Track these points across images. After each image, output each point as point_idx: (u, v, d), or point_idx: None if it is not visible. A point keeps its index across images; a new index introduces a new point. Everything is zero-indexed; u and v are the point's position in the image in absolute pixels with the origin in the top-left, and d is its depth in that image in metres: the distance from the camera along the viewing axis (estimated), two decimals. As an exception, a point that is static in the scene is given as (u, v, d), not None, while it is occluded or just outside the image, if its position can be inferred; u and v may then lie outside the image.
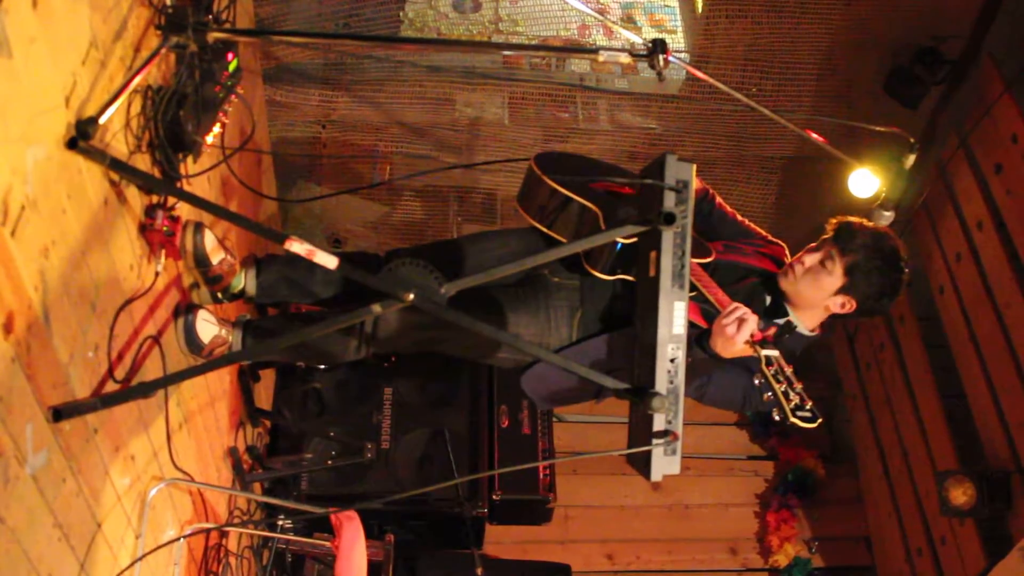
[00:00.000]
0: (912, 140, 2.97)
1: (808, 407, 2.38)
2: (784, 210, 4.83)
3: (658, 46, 2.50)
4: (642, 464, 2.16)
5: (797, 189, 4.75)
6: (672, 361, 2.15)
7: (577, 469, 5.48)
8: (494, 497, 4.47)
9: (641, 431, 2.16)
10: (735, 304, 2.62)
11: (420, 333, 3.03)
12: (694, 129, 4.46)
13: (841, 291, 2.85)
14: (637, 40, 2.54)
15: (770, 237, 3.14)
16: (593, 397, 2.95)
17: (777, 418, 2.40)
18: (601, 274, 2.85)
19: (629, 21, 4.48)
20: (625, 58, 2.54)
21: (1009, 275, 4.01)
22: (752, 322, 2.54)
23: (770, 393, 2.39)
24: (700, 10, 4.31)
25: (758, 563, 5.54)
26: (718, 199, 3.13)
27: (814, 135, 2.97)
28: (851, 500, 5.51)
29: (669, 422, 2.13)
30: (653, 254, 2.18)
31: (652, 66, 2.52)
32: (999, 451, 4.05)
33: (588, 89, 4.45)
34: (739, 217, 3.15)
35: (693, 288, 2.72)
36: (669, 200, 2.19)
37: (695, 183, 2.95)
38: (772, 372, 2.43)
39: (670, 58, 2.52)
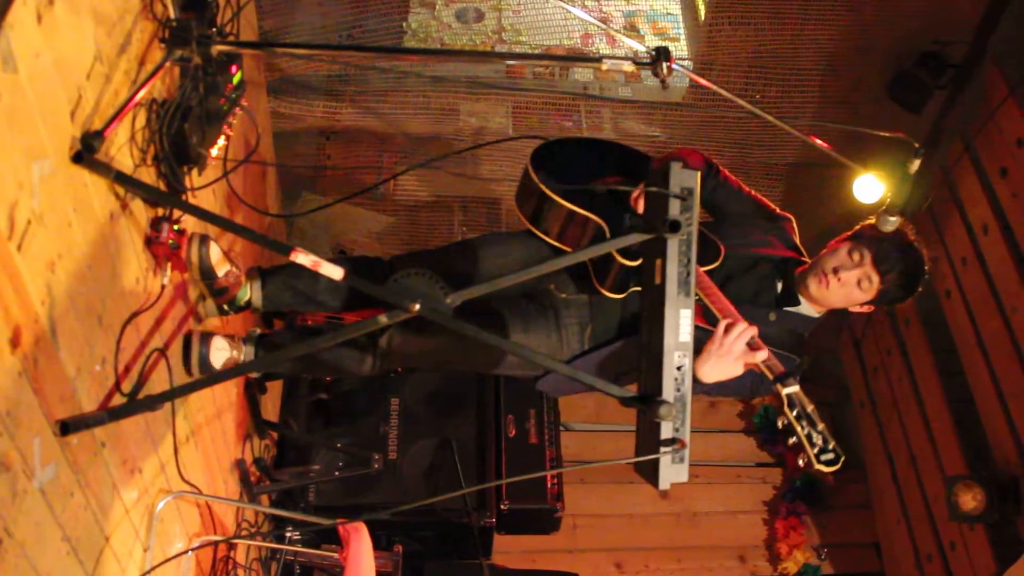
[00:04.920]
0: (916, 145, 2.96)
1: (831, 447, 2.44)
2: (789, 216, 4.83)
3: (661, 54, 2.50)
4: (650, 472, 2.15)
5: (802, 195, 4.75)
6: (679, 369, 2.14)
7: (585, 478, 5.47)
8: (502, 507, 4.46)
9: (648, 439, 2.15)
10: (727, 322, 2.62)
11: (436, 357, 3.10)
12: (698, 136, 4.46)
13: (866, 303, 2.89)
14: (640, 48, 2.53)
15: (778, 210, 3.12)
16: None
17: (802, 464, 2.45)
18: (611, 293, 2.85)
19: (632, 29, 4.48)
20: (628, 66, 2.54)
21: (1015, 279, 4.00)
22: (739, 348, 2.56)
23: (794, 438, 2.42)
24: (703, 17, 4.31)
25: (767, 570, 5.52)
26: (723, 172, 3.08)
27: (818, 141, 2.97)
28: (860, 506, 5.49)
29: (676, 430, 2.13)
30: (659, 262, 2.18)
31: (656, 74, 2.52)
32: (1008, 455, 4.04)
33: (592, 98, 4.46)
34: (745, 188, 3.12)
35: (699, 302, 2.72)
36: (674, 208, 2.19)
37: (697, 159, 2.96)
38: (795, 415, 2.45)
39: (673, 66, 2.51)
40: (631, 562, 5.46)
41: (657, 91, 4.37)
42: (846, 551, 5.59)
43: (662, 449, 2.10)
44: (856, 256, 2.83)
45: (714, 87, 2.77)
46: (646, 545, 5.50)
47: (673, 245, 2.14)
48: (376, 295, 2.13)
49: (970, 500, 4.03)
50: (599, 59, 2.58)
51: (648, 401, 2.13)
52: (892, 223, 3.16)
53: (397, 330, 3.07)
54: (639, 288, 2.81)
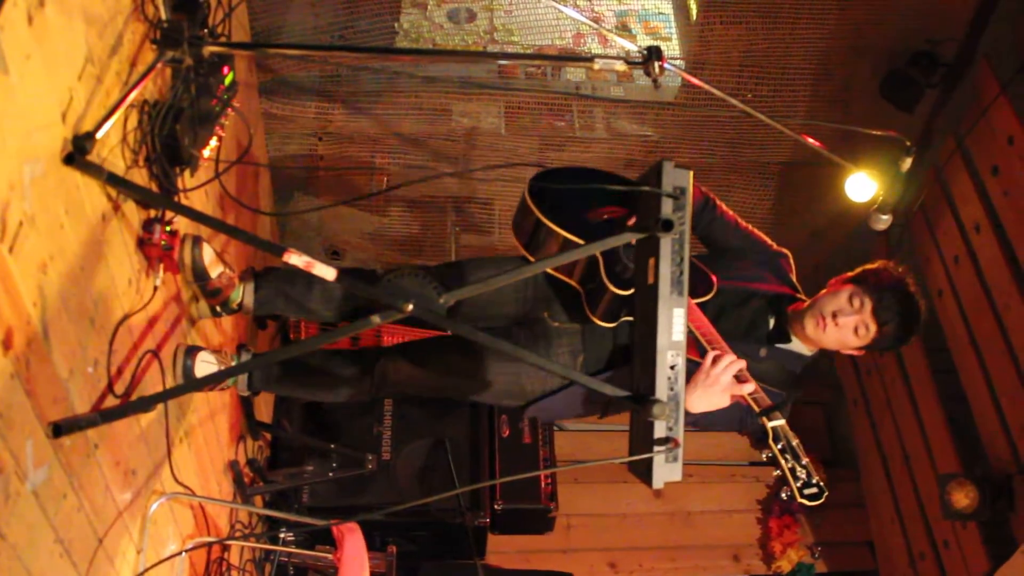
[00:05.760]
0: (908, 143, 2.97)
1: (815, 481, 2.46)
2: (781, 215, 4.84)
3: (653, 53, 2.50)
4: (644, 471, 2.16)
5: (794, 194, 4.76)
6: (672, 368, 2.15)
7: (579, 478, 5.48)
8: (496, 507, 4.47)
9: (642, 438, 2.15)
10: (714, 354, 2.64)
11: (430, 383, 3.15)
12: (690, 136, 4.46)
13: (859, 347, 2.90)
14: (632, 48, 2.53)
15: (774, 246, 3.11)
16: (599, 413, 2.98)
17: (784, 496, 2.47)
18: (602, 322, 2.86)
19: (624, 29, 4.49)
20: (620, 66, 2.54)
21: (1007, 277, 4.01)
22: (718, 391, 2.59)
23: (778, 471, 2.44)
24: (694, 17, 4.31)
25: (761, 569, 5.53)
26: (720, 206, 3.08)
27: (810, 140, 2.97)
28: (853, 505, 5.50)
29: (670, 429, 2.13)
30: (652, 261, 2.18)
31: (647, 73, 2.52)
32: (1000, 453, 4.05)
33: (584, 97, 4.46)
34: (742, 224, 3.11)
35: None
36: (667, 207, 2.19)
37: (695, 191, 2.96)
38: (779, 448, 2.46)
39: (665, 65, 2.51)
40: (625, 562, 5.46)
41: (649, 90, 4.36)
42: (840, 549, 5.61)
43: (656, 448, 2.11)
44: (857, 303, 2.82)
45: (706, 86, 2.78)
46: (640, 544, 5.50)
47: (666, 244, 2.15)
48: (369, 295, 2.13)
49: (963, 498, 4.04)
50: (591, 59, 2.58)
51: (642, 400, 2.14)
52: (884, 221, 3.17)
53: (393, 358, 3.16)
54: (630, 319, 2.82)
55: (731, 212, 3.11)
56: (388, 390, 3.21)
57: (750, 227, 3.12)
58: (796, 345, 2.94)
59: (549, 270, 2.95)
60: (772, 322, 2.95)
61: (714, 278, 2.92)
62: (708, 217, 3.06)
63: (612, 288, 2.76)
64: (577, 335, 2.98)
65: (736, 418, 2.83)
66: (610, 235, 2.82)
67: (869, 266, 2.92)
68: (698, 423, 2.84)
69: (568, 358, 2.96)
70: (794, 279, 3.07)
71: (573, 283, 2.90)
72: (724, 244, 3.09)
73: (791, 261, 3.10)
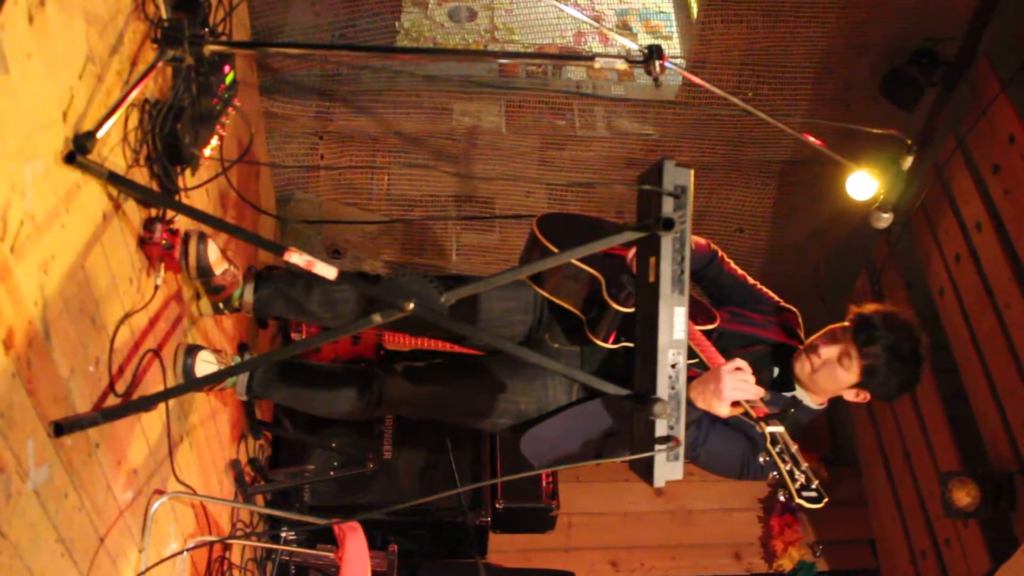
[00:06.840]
0: (909, 142, 2.97)
1: (814, 486, 2.42)
2: (782, 214, 4.83)
3: (654, 52, 2.50)
4: (645, 470, 2.16)
5: (795, 193, 4.75)
6: (673, 367, 2.15)
7: (580, 476, 5.47)
8: (497, 506, 4.47)
9: (643, 437, 2.16)
10: (740, 361, 2.61)
11: (429, 403, 3.18)
12: (691, 134, 4.46)
13: (857, 386, 2.83)
14: (633, 46, 2.54)
15: (782, 303, 3.10)
16: (595, 458, 2.99)
17: (783, 499, 2.45)
18: (604, 343, 2.86)
19: (624, 28, 4.48)
20: (621, 64, 2.54)
21: (1009, 275, 4.01)
22: (744, 389, 2.55)
23: (775, 472, 2.42)
24: (695, 15, 4.31)
25: (762, 568, 5.53)
26: (727, 262, 3.09)
27: (811, 138, 2.97)
28: (855, 503, 5.50)
29: (671, 427, 2.13)
30: (652, 260, 2.19)
31: (648, 72, 2.52)
32: (1002, 452, 4.05)
33: (585, 96, 4.46)
34: (749, 280, 3.11)
35: (692, 355, 2.69)
36: (668, 206, 2.19)
37: (703, 245, 2.98)
38: (777, 451, 2.45)
39: (666, 64, 2.51)
40: (627, 560, 5.46)
41: (650, 89, 4.35)
42: (841, 548, 5.60)
43: (657, 447, 2.11)
44: (839, 333, 2.79)
45: (707, 85, 2.78)
46: (642, 543, 5.50)
47: (667, 243, 2.15)
48: (371, 294, 2.13)
49: (964, 496, 4.04)
50: (592, 57, 2.58)
51: (643, 399, 2.14)
52: (885, 220, 3.17)
53: (393, 375, 3.19)
54: (630, 344, 2.82)
55: (740, 269, 3.13)
56: (386, 408, 3.24)
57: (758, 283, 3.13)
58: (801, 395, 2.93)
59: (557, 300, 2.98)
60: (776, 371, 2.94)
61: (716, 314, 2.94)
62: (715, 270, 3.08)
63: (613, 305, 2.77)
64: (576, 358, 3.02)
65: (737, 458, 2.81)
66: (612, 267, 2.87)
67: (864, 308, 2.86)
68: (697, 460, 2.83)
69: (564, 380, 2.99)
70: (801, 335, 3.05)
71: (577, 311, 2.94)
72: (730, 295, 3.10)
73: (799, 318, 3.09)
